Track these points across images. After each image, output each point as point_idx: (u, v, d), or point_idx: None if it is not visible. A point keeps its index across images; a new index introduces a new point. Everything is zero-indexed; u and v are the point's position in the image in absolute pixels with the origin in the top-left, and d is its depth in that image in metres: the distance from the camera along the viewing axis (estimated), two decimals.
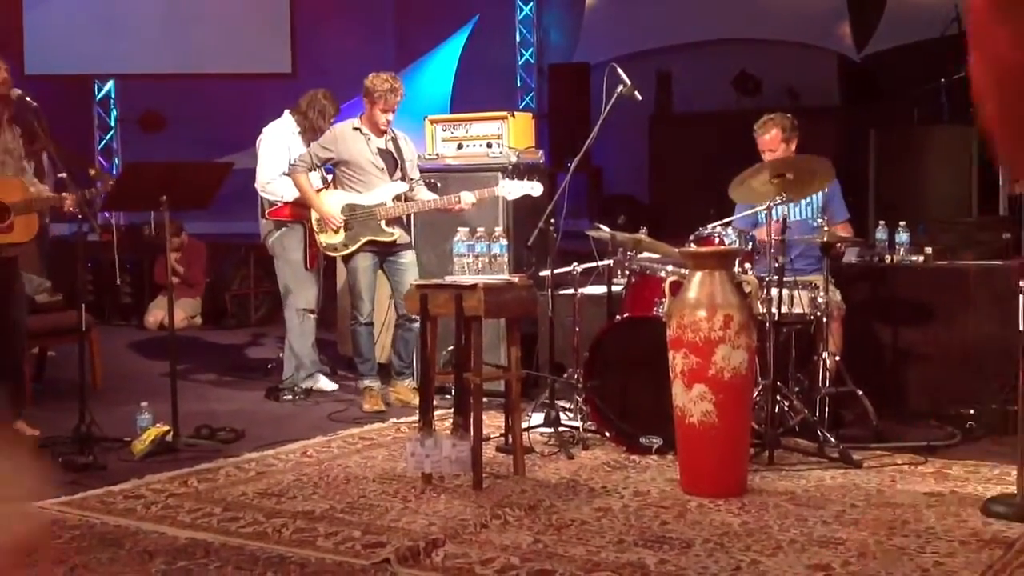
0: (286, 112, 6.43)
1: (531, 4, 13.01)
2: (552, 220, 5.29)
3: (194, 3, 11.60)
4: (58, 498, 4.11)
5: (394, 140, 5.99)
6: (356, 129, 5.94)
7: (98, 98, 12.46)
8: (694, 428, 4.18)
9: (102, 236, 9.72)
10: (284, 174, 6.14)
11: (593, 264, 5.39)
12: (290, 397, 6.20)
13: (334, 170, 6.05)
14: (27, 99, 5.05)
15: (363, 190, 5.89)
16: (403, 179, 5.98)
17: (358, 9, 12.60)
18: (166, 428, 4.93)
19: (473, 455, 4.23)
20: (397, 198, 5.92)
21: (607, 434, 4.85)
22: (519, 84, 13.06)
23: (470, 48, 12.08)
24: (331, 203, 5.91)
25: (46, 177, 6.40)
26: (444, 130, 6.59)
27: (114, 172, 11.29)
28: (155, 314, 9.07)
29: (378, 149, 5.94)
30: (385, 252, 5.95)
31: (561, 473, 4.48)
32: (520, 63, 13.12)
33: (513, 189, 5.79)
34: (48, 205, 5.30)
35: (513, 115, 6.53)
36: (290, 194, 6.18)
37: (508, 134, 6.41)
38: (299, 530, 3.74)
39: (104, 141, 12.50)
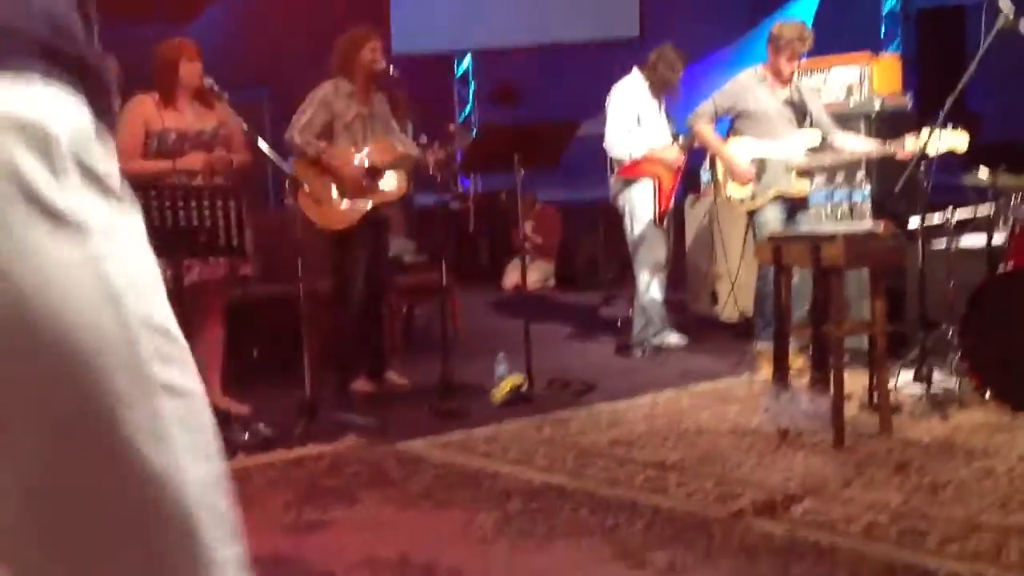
0: (635, 69, 6.38)
1: None
2: (923, 165, 4.86)
3: None
4: (425, 439, 4.33)
5: (799, 90, 5.75)
6: (760, 79, 5.76)
7: (457, 74, 13.08)
8: None
9: (462, 205, 10.23)
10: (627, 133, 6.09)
11: (970, 213, 4.90)
12: (640, 353, 6.18)
13: (733, 121, 5.87)
14: (390, 69, 5.33)
15: (769, 140, 5.68)
16: (811, 128, 5.67)
17: None
18: (522, 379, 5.05)
19: (833, 410, 3.98)
20: (809, 150, 5.65)
21: (988, 394, 4.40)
22: (883, 34, 12.24)
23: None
24: (740, 154, 5.76)
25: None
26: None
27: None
28: (511, 276, 9.39)
29: (784, 99, 5.71)
30: (794, 206, 5.67)
31: (934, 433, 4.12)
32: (884, 12, 12.30)
33: (936, 140, 4.85)
34: (414, 163, 5.56)
35: (877, 57, 6.09)
36: (638, 151, 6.13)
37: (871, 78, 5.98)
38: (650, 479, 3.68)
39: (463, 116, 13.11)
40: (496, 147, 5.36)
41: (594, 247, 9.78)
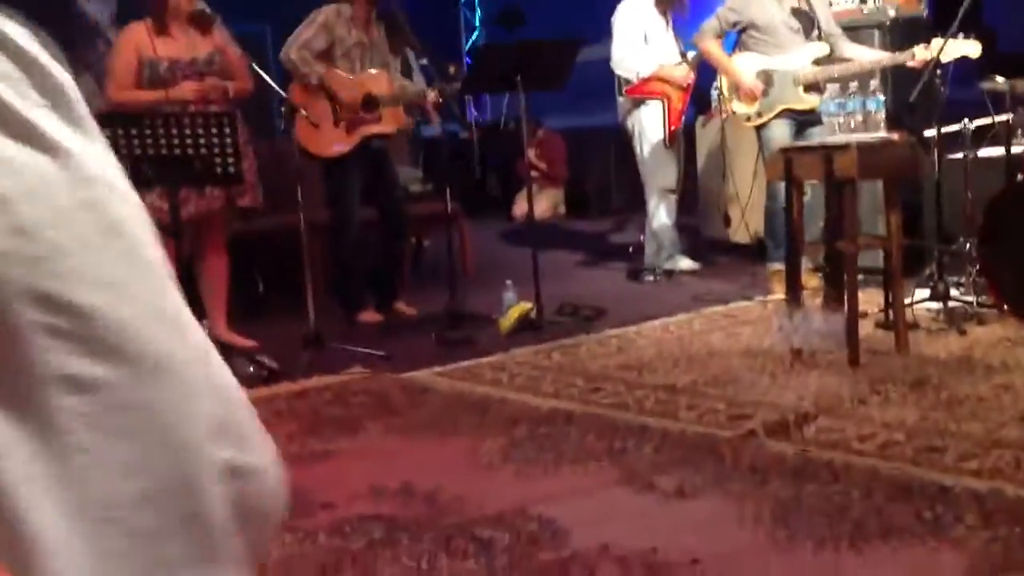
0: None
1: None
2: (938, 73, 4.68)
3: None
4: (431, 369, 4.26)
5: None
6: None
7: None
8: None
9: (468, 135, 10.07)
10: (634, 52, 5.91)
11: (988, 120, 4.74)
12: (651, 278, 6.07)
13: (739, 36, 5.66)
14: None
15: (776, 54, 5.49)
16: (820, 39, 5.46)
17: None
18: (530, 306, 4.97)
19: (848, 328, 3.88)
20: (816, 62, 5.45)
21: (1005, 307, 4.29)
22: None
23: None
24: (745, 69, 5.56)
25: (414, 73, 6.61)
26: None
27: None
28: (520, 205, 9.25)
29: (791, 9, 5.49)
30: (802, 121, 5.42)
31: (951, 349, 4.02)
32: None
33: (948, 47, 4.68)
34: (413, 98, 5.44)
35: None
36: (646, 70, 5.96)
37: None
38: (660, 401, 3.61)
39: (470, 41, 12.88)
40: (497, 67, 5.21)
41: (604, 173, 9.63)
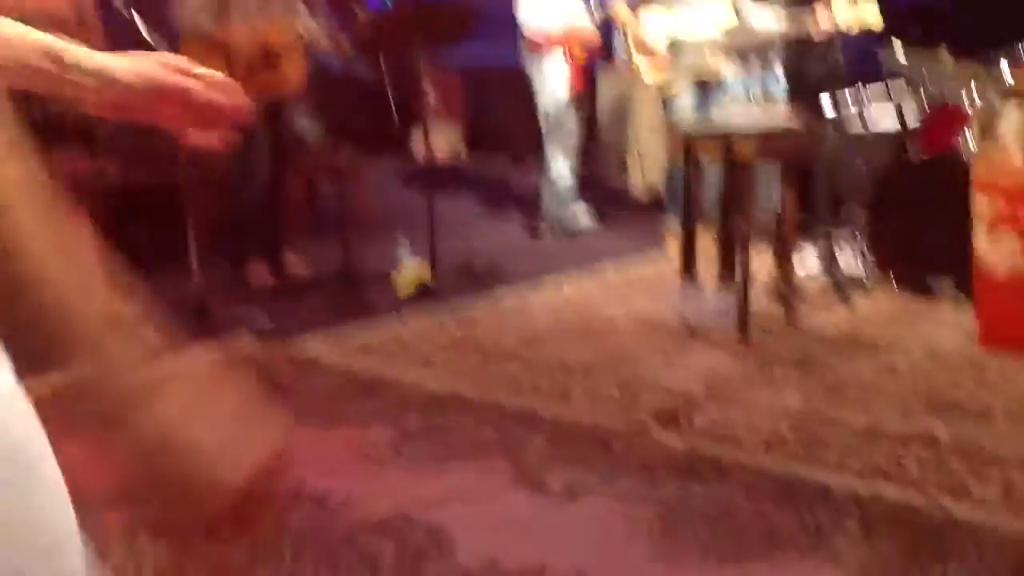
0: None
1: None
2: (836, 42, 4.68)
3: None
4: (321, 339, 4.17)
5: None
6: None
7: None
8: (996, 278, 3.67)
9: (368, 74, 9.80)
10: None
11: (883, 93, 4.78)
12: (549, 233, 6.04)
13: None
14: None
15: (682, 7, 5.29)
16: None
17: None
18: (427, 276, 4.87)
19: (738, 307, 3.91)
20: (726, 31, 5.20)
21: (892, 277, 4.37)
22: None
23: None
24: (653, 32, 5.42)
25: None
26: None
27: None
28: (419, 144, 9.10)
29: None
30: (708, 88, 5.29)
31: (839, 325, 4.09)
32: None
33: (843, 14, 4.56)
34: (313, 46, 5.23)
35: None
36: (552, 26, 5.85)
37: None
38: (555, 383, 3.59)
39: None
40: (396, 29, 5.05)
41: (506, 112, 9.50)
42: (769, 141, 3.93)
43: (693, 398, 3.37)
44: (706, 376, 3.58)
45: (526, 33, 6.00)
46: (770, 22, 5.16)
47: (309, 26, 5.16)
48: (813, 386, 3.44)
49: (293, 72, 5.05)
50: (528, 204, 6.75)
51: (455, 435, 3.18)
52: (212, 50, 4.78)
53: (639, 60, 5.48)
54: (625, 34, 5.67)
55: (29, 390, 0.79)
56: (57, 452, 0.79)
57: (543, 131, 6.15)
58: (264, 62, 4.92)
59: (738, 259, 3.96)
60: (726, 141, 3.90)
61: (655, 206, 6.13)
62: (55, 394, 0.83)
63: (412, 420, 3.31)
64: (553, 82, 5.96)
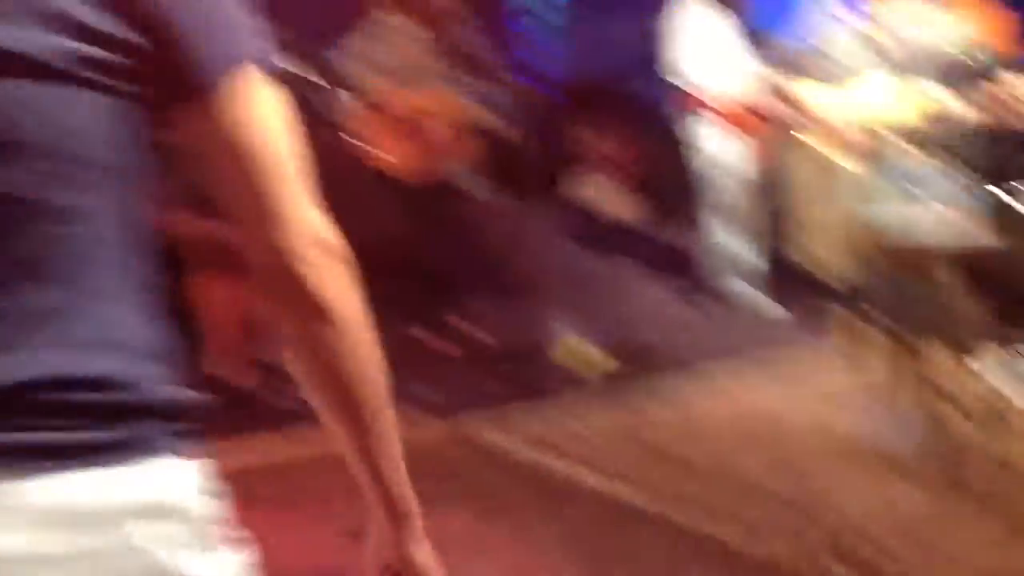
0: None
1: None
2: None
3: None
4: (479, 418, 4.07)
5: None
6: None
7: None
8: None
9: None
10: None
11: None
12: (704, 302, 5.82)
13: None
14: None
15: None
16: None
17: None
18: (598, 361, 4.71)
19: (946, 435, 3.69)
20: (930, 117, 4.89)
21: None
22: None
23: None
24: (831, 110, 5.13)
25: None
26: None
27: None
28: (584, 197, 8.79)
29: None
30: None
31: None
32: None
33: None
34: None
35: None
36: (711, 80, 5.67)
37: None
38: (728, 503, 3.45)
39: None
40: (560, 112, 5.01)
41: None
42: (979, 262, 3.72)
43: (882, 539, 3.19)
44: (902, 514, 3.38)
45: (682, 86, 5.72)
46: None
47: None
48: None
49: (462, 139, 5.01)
50: (679, 264, 6.42)
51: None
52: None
53: (823, 140, 5.26)
54: (798, 109, 5.41)
55: None
56: None
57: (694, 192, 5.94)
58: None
59: (938, 379, 3.76)
60: (927, 257, 3.71)
61: (823, 290, 5.84)
62: None
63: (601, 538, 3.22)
64: (712, 145, 5.77)
